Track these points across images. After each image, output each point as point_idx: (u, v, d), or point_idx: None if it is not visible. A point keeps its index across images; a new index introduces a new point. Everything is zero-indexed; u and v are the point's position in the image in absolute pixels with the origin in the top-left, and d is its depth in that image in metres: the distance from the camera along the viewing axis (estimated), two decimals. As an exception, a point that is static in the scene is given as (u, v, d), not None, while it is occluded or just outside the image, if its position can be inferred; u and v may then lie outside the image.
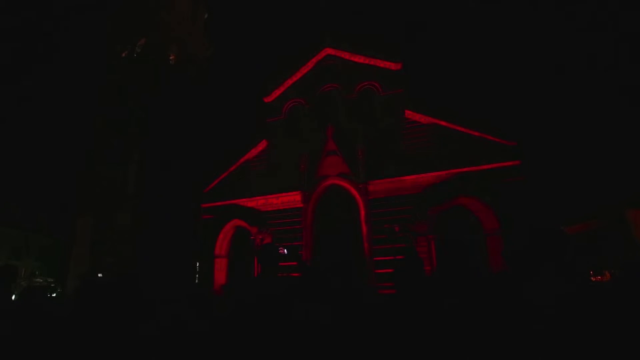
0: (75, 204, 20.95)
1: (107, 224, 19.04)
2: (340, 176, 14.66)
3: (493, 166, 12.40)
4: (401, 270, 2.33)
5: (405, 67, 15.88)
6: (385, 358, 1.93)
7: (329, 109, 16.55)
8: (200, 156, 23.57)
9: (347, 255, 13.18)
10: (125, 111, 21.01)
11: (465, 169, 12.81)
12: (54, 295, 22.37)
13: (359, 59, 16.60)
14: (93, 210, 19.65)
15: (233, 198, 16.73)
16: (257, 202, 16.12)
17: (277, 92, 18.06)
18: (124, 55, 23.26)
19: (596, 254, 12.52)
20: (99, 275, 17.36)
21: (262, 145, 17.40)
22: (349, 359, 2.01)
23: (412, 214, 12.98)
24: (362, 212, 13.97)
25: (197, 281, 16.95)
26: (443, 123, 13.80)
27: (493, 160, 12.43)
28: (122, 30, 23.88)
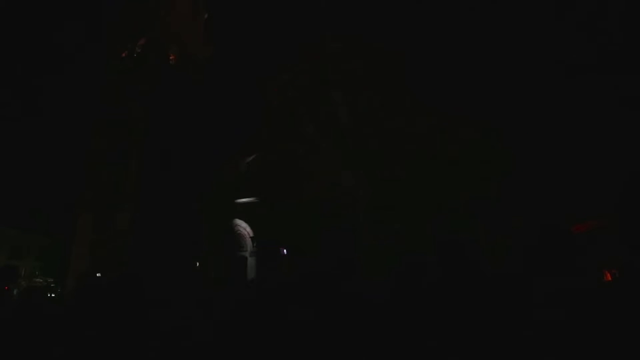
0: (75, 204, 20.93)
1: (107, 224, 19.03)
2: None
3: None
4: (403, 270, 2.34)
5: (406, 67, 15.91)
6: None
7: (330, 109, 16.53)
8: (200, 156, 23.52)
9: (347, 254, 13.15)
10: (125, 111, 20.98)
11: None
12: (54, 295, 22.33)
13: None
14: (93, 210, 19.63)
15: (234, 197, 16.72)
16: (257, 202, 16.10)
17: (276, 92, 18.05)
18: (124, 55, 23.24)
19: (596, 254, 12.50)
20: (98, 274, 17.34)
21: (263, 144, 17.40)
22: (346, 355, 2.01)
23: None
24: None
25: (197, 281, 16.92)
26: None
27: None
28: (122, 30, 23.85)
